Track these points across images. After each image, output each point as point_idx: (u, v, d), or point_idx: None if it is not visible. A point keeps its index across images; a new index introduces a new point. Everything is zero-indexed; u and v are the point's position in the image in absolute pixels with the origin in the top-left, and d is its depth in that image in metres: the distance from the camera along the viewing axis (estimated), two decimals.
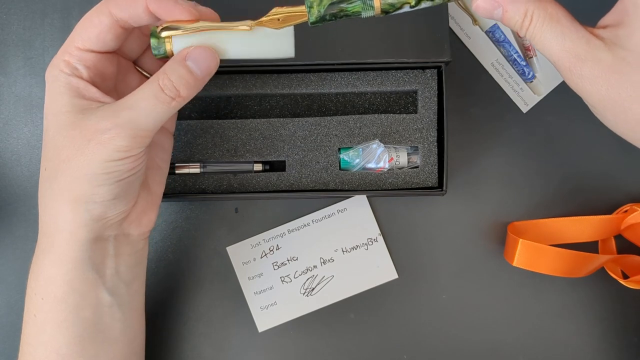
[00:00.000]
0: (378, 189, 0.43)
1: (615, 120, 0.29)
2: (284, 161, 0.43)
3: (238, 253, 0.45)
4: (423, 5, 0.31)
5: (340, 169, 0.43)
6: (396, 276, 0.45)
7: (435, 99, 0.43)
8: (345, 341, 0.45)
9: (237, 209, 0.46)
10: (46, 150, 0.32)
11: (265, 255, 0.45)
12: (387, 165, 0.42)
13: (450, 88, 0.44)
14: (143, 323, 0.39)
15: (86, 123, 0.30)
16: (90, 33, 0.31)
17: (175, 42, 0.32)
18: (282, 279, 0.45)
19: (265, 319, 0.45)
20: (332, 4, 0.30)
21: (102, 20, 0.31)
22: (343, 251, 0.45)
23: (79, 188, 0.31)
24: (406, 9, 0.31)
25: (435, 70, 0.43)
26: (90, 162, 0.30)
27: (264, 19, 0.31)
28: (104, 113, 0.30)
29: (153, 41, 0.32)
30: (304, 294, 0.45)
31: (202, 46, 0.31)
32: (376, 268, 0.45)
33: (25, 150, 0.46)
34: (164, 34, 0.32)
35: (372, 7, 0.31)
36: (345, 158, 0.43)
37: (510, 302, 0.45)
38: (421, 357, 0.45)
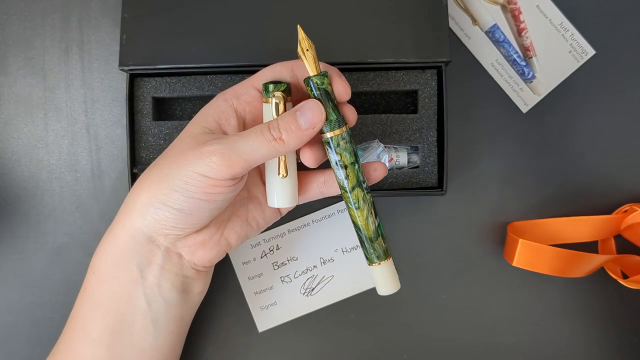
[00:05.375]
0: (378, 189, 0.43)
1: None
2: None
3: (238, 253, 0.45)
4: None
5: None
6: None
7: (435, 99, 0.43)
8: (345, 341, 0.45)
9: None
10: (169, 146, 0.36)
11: (265, 255, 0.45)
12: (387, 165, 0.42)
13: (450, 88, 0.44)
14: (177, 354, 0.39)
15: (203, 137, 0.33)
16: (267, 77, 0.35)
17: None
18: (282, 279, 0.45)
19: (265, 319, 0.45)
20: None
21: (283, 73, 0.35)
22: (343, 251, 0.45)
23: (162, 184, 0.33)
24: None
25: (435, 70, 0.43)
26: (182, 166, 0.33)
27: None
28: (219, 136, 0.34)
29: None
30: (304, 294, 0.45)
31: (312, 100, 0.33)
32: None
33: (25, 150, 0.46)
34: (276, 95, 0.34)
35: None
36: None
37: (510, 302, 0.45)
38: (421, 357, 0.45)
